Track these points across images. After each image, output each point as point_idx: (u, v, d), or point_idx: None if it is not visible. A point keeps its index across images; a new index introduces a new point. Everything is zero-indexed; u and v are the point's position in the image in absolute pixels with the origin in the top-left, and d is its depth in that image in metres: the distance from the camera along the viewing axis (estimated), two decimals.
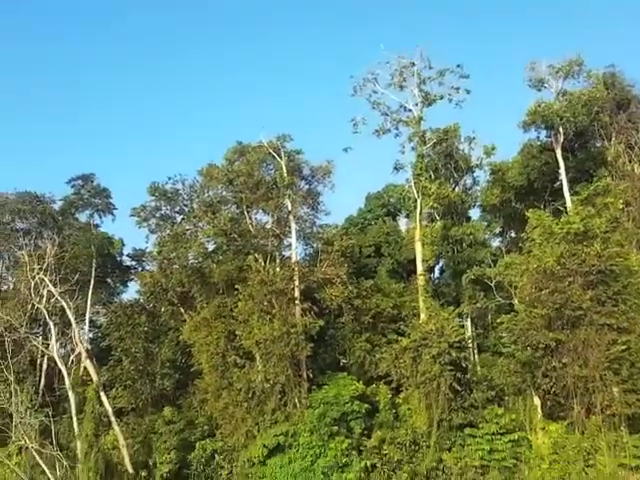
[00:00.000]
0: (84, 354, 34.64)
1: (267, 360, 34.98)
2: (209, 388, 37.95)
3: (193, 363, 40.81)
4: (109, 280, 52.72)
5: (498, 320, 34.26)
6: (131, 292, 56.37)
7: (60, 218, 44.56)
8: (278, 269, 37.73)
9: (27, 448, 37.51)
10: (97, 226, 45.25)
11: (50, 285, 33.27)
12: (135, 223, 37.96)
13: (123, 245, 52.17)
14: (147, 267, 47.55)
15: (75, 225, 43.96)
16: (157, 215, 38.09)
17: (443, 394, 30.47)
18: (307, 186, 42.02)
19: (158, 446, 36.37)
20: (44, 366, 46.31)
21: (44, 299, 34.39)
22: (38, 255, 34.36)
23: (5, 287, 46.42)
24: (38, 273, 33.51)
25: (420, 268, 38.14)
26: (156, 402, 40.62)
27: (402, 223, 53.44)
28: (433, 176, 40.25)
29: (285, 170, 39.54)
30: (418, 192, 38.17)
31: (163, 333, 42.70)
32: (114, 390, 39.50)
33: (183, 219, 39.26)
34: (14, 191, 44.96)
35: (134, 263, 48.58)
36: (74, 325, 34.27)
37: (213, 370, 37.75)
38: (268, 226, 40.77)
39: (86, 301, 44.65)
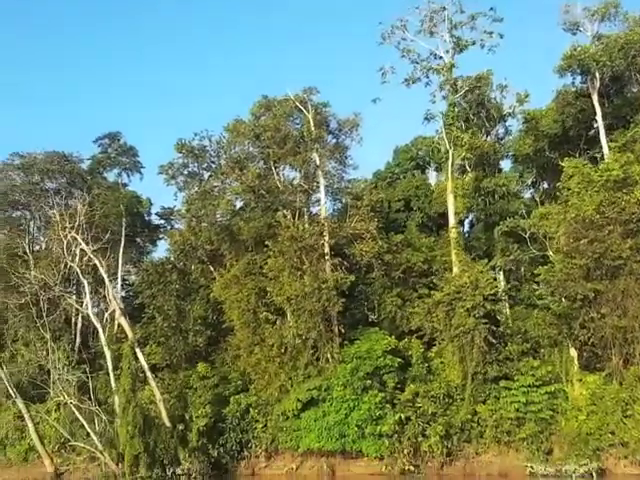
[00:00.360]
0: (118, 311, 34.96)
1: (298, 316, 34.99)
2: (241, 344, 38.20)
3: (224, 320, 41.07)
4: (138, 240, 52.99)
5: (533, 272, 33.64)
6: (160, 251, 56.80)
7: (89, 178, 44.49)
8: (307, 225, 37.37)
9: (65, 404, 38.55)
10: (125, 185, 45.22)
11: (82, 243, 33.38)
12: (163, 181, 37.75)
13: (151, 204, 52.25)
14: (176, 225, 47.58)
15: (103, 184, 43.90)
16: (185, 172, 37.76)
17: (477, 347, 30.15)
18: (334, 140, 41.35)
19: (193, 401, 36.86)
20: (79, 325, 47.10)
21: (77, 258, 34.59)
22: (69, 214, 34.42)
23: (37, 247, 46.85)
24: (70, 232, 33.60)
25: (452, 221, 37.48)
26: (189, 358, 41.06)
27: (431, 176, 52.47)
28: (464, 126, 39.13)
29: (312, 124, 38.81)
30: (450, 143, 37.22)
31: (194, 290, 42.88)
32: (148, 347, 39.96)
33: (210, 176, 38.91)
34: (42, 151, 45.03)
35: (163, 222, 48.59)
36: (107, 282, 34.47)
37: (245, 327, 37.91)
38: (296, 182, 40.29)
39: (117, 260, 44.93)
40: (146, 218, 52.24)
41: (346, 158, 42.51)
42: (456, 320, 30.66)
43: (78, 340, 45.96)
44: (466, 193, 40.78)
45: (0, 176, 44.72)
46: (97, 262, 33.10)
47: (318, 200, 41.96)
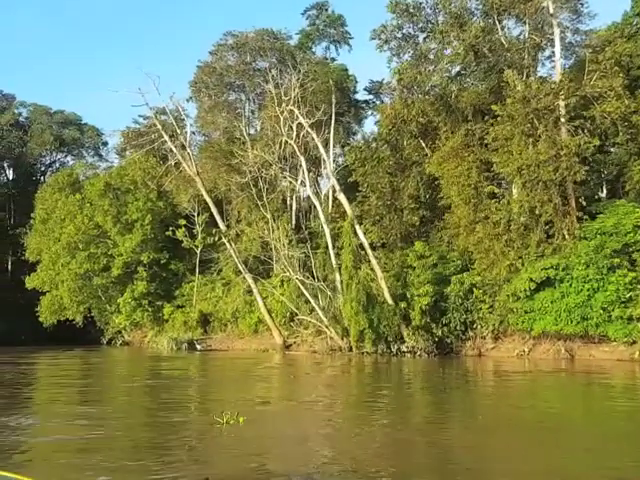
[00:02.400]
0: (337, 187, 34.12)
1: (530, 188, 31.30)
2: (461, 222, 35.73)
3: (439, 198, 38.82)
4: (344, 119, 51.61)
5: None
6: (367, 130, 54.86)
7: (298, 53, 43.25)
8: (538, 85, 32.56)
9: (289, 280, 39.75)
10: (333, 60, 43.33)
11: (300, 116, 32.45)
12: (375, 47, 34.97)
13: (356, 82, 50.16)
14: (385, 100, 45.12)
15: (312, 60, 42.40)
16: (398, 35, 34.58)
17: None
18: None
19: (412, 280, 35.78)
20: (293, 206, 47.89)
21: (293, 134, 33.91)
22: (284, 89, 33.48)
23: (252, 131, 47.61)
24: (287, 106, 32.75)
25: None
26: (404, 237, 39.81)
27: None
28: None
29: None
30: None
31: (407, 167, 40.75)
32: (362, 226, 39.33)
33: (427, 37, 35.26)
34: (253, 29, 44.56)
35: (371, 97, 46.35)
36: (325, 156, 33.49)
37: (464, 203, 35.21)
38: (523, 36, 35.15)
39: (327, 140, 44.06)
40: (351, 97, 50.39)
41: (581, 5, 36.13)
42: None
43: (293, 221, 46.95)
44: None
45: (215, 57, 45.31)
46: (314, 136, 32.11)
47: (548, 57, 36.70)
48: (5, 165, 64.97)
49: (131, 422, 15.21)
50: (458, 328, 33.50)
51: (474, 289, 33.52)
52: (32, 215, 52.67)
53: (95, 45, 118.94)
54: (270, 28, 44.82)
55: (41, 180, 63.41)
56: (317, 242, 41.65)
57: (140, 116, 53.79)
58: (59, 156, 67.37)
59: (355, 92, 50.52)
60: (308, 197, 49.71)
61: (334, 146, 50.40)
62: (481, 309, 33.23)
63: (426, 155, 40.43)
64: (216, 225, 42.62)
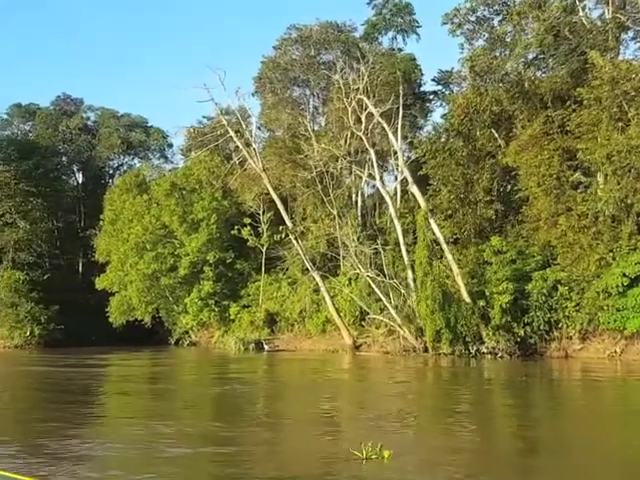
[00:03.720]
0: (410, 178, 32.60)
1: (621, 176, 29.03)
2: (541, 215, 33.70)
3: (514, 190, 36.93)
4: (410, 112, 49.92)
5: None
6: (434, 122, 52.89)
7: (364, 45, 41.97)
8: (628, 65, 30.22)
9: (357, 278, 38.50)
10: (400, 50, 41.82)
11: (370, 105, 31.13)
12: (448, 32, 33.34)
13: (422, 74, 48.37)
14: (454, 90, 43.21)
15: (379, 51, 41.04)
16: (472, 19, 32.81)
17: None
18: None
19: (489, 277, 33.92)
20: (359, 203, 46.56)
21: (362, 125, 32.59)
22: (352, 80, 32.24)
23: (316, 127, 46.61)
24: (355, 96, 31.49)
25: None
26: (478, 232, 37.95)
27: None
28: None
29: None
30: None
31: (481, 158, 38.81)
32: (434, 221, 37.71)
33: (502, 20, 33.33)
34: (316, 22, 43.55)
35: (439, 88, 44.53)
36: (397, 146, 31.98)
37: (545, 194, 33.15)
38: (607, 16, 32.77)
39: (395, 132, 42.58)
40: (416, 91, 48.65)
41: None
42: None
43: (359, 218, 45.64)
44: None
45: (279, 52, 44.59)
46: (385, 125, 30.72)
47: (633, 38, 34.19)
48: (75, 169, 66.32)
49: (242, 453, 11.70)
50: (542, 328, 31.41)
51: (559, 286, 31.40)
52: (101, 217, 53.32)
53: (159, 47, 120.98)
54: (334, 21, 43.79)
55: (109, 183, 64.36)
56: (385, 238, 40.23)
57: (204, 117, 53.86)
58: (126, 159, 68.32)
59: (420, 84, 48.84)
60: (372, 193, 48.52)
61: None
62: (567, 307, 31.08)
63: (499, 146, 38.54)
64: (281, 223, 41.80)
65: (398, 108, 39.02)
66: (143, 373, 29.44)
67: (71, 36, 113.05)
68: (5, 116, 64.87)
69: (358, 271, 35.66)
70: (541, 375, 27.40)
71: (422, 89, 48.30)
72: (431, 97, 47.45)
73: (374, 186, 49.00)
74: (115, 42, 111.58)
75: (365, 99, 31.07)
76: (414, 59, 40.77)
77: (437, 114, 48.54)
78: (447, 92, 43.81)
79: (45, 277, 51.71)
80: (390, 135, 31.40)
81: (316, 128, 47.27)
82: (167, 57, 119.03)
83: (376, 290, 34.43)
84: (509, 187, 41.21)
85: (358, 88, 31.42)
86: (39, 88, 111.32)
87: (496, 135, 38.84)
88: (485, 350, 31.16)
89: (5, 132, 64.19)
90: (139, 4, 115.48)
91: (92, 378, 27.22)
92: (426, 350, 32.37)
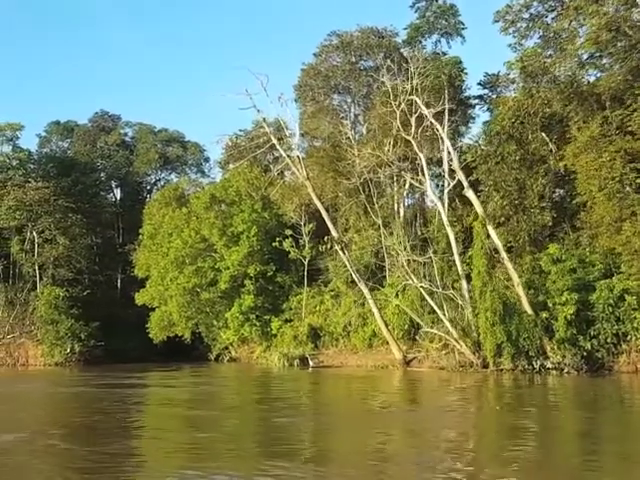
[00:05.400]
0: (465, 182, 30.95)
1: None
2: (603, 220, 31.74)
3: (569, 195, 35.03)
4: (453, 118, 48.24)
5: None
6: (478, 128, 51.05)
7: (407, 49, 40.62)
8: None
9: (404, 290, 36.86)
10: (444, 54, 40.31)
11: (422, 105, 29.66)
12: (500, 30, 31.77)
13: (463, 80, 46.65)
14: (502, 93, 41.48)
15: (422, 56, 39.60)
16: (525, 16, 31.19)
17: None
18: None
19: (548, 287, 31.98)
20: (401, 212, 45.00)
21: (412, 129, 31.12)
22: (400, 81, 30.87)
23: (357, 136, 45.30)
24: (405, 96, 30.05)
25: None
26: (533, 240, 36.08)
27: None
28: None
29: None
30: None
31: (535, 163, 36.97)
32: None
33: (556, 17, 31.64)
34: (357, 28, 42.47)
35: (485, 92, 42.77)
36: (450, 149, 30.35)
37: (607, 199, 31.20)
38: None
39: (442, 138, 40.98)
40: (460, 97, 46.96)
41: None
42: None
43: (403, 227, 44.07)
44: None
45: (320, 59, 43.58)
46: (438, 126, 29.20)
47: None
48: (113, 185, 66.22)
49: None
50: (609, 341, 29.39)
51: (626, 295, 29.37)
52: (139, 232, 52.78)
53: (195, 60, 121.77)
54: (375, 26, 42.65)
55: (147, 198, 64.09)
56: (434, 248, 38.53)
57: (240, 130, 53.20)
58: (163, 174, 68.14)
59: (463, 90, 47.15)
60: (413, 202, 46.99)
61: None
62: (635, 318, 29.06)
63: (550, 151, 36.76)
64: (322, 235, 40.32)
65: (444, 113, 37.60)
66: (183, 398, 25.21)
67: (107, 53, 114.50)
68: (44, 134, 65.40)
69: (409, 282, 33.95)
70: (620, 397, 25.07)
71: (466, 94, 46.73)
72: (475, 102, 45.71)
73: (415, 196, 47.68)
74: (151, 58, 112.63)
75: (417, 99, 29.61)
76: (460, 62, 39.17)
77: (480, 120, 46.75)
78: (494, 96, 42.05)
79: (85, 293, 51.22)
80: (444, 136, 29.86)
81: (357, 137, 46.01)
82: (203, 71, 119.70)
83: (430, 302, 32.68)
84: (562, 192, 39.50)
85: (406, 90, 29.98)
86: (77, 106, 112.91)
87: (547, 139, 37.12)
88: (550, 365, 29.16)
89: (44, 149, 64.58)
90: (172, 20, 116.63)
91: (128, 400, 24.07)
92: (485, 366, 30.46)
